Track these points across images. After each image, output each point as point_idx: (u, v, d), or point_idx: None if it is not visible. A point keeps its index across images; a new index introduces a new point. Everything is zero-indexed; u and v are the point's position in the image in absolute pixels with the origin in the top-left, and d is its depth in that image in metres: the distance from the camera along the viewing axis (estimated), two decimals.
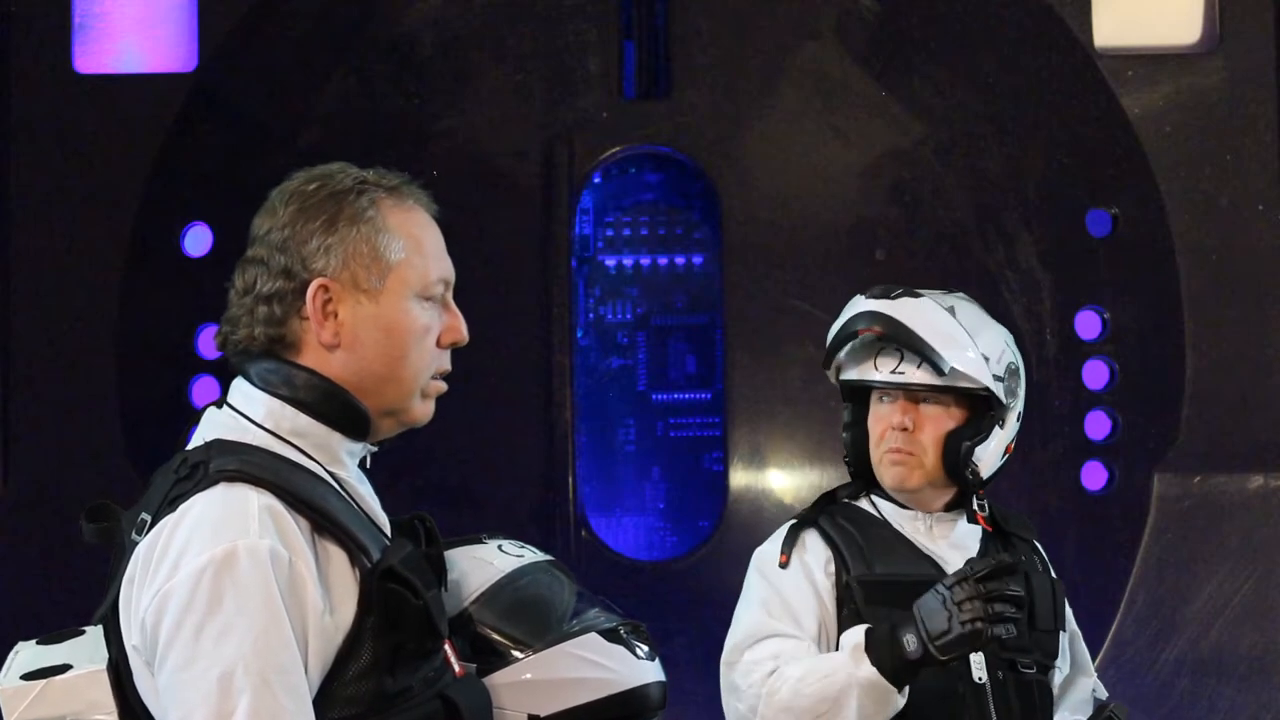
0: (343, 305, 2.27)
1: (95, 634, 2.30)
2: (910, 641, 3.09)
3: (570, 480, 5.36)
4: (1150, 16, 5.52)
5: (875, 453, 3.38)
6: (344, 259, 2.27)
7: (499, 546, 2.64)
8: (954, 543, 3.38)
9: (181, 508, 2.17)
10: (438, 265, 2.34)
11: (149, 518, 2.21)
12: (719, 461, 5.54)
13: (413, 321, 2.30)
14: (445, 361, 2.36)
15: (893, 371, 3.34)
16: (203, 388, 5.37)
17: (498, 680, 2.46)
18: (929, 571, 3.29)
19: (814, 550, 3.36)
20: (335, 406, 2.27)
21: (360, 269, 2.27)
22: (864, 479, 3.44)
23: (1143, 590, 5.36)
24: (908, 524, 3.39)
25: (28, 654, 2.33)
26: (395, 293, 2.29)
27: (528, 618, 2.53)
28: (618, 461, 5.65)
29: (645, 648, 2.57)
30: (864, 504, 3.43)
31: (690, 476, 5.65)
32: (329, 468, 2.28)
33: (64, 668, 2.27)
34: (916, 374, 3.33)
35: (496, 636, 2.51)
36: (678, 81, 5.46)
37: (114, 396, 5.31)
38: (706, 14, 5.45)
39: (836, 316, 3.47)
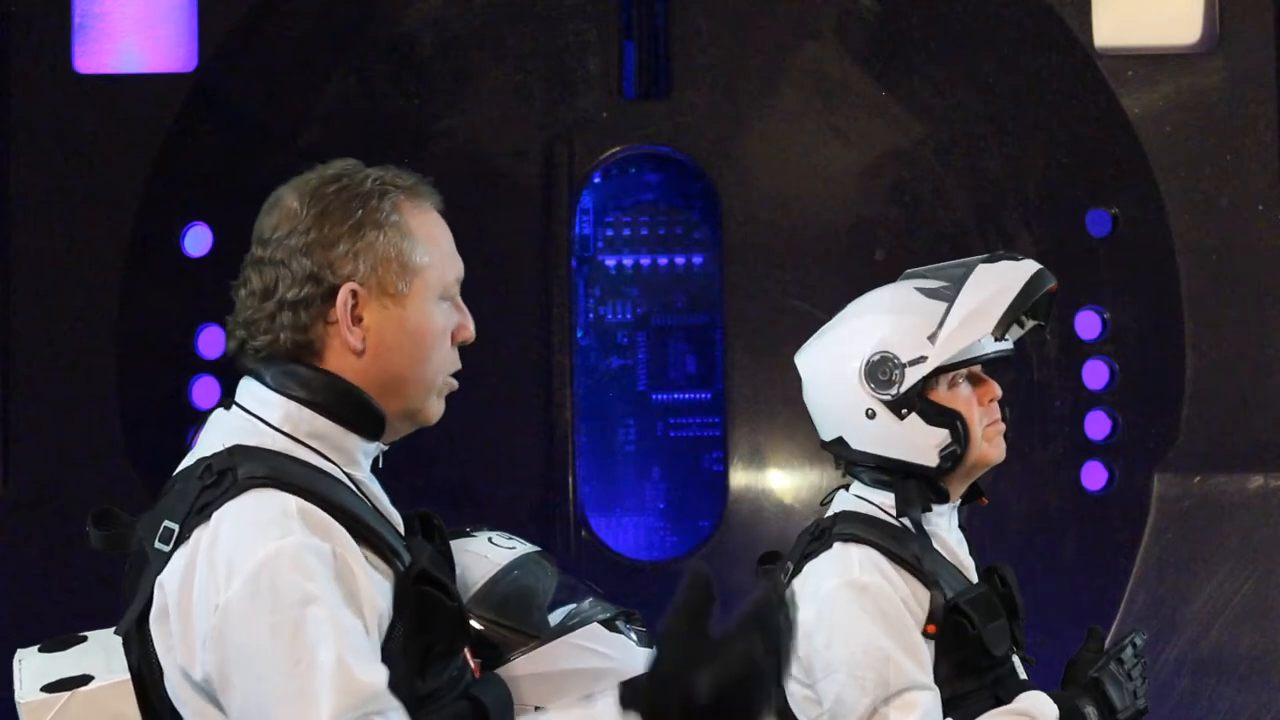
0: (368, 310, 2.27)
1: (101, 641, 2.27)
2: (1092, 715, 3.05)
3: (570, 480, 5.36)
4: (1150, 16, 5.51)
5: (978, 431, 3.14)
6: (372, 264, 2.26)
7: (489, 539, 2.66)
8: (959, 540, 3.25)
9: (215, 517, 2.13)
10: (453, 265, 2.35)
11: (175, 526, 2.16)
12: (719, 461, 5.53)
13: (435, 324, 2.30)
14: (457, 359, 2.36)
15: (1016, 339, 3.27)
16: (203, 388, 5.36)
17: (505, 675, 2.47)
18: (969, 578, 3.17)
19: (890, 574, 3.09)
20: (351, 407, 2.26)
21: (388, 274, 2.27)
22: (925, 481, 3.16)
23: (1143, 590, 5.35)
24: (938, 522, 3.18)
25: (34, 662, 2.28)
26: (420, 296, 2.29)
27: (524, 610, 2.54)
28: (618, 461, 5.64)
29: (638, 633, 2.60)
30: (876, 513, 3.17)
31: (690, 476, 5.65)
32: (346, 469, 2.26)
33: (85, 679, 2.21)
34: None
35: (498, 630, 2.52)
36: (678, 81, 5.45)
37: (114, 396, 5.30)
38: (706, 14, 5.45)
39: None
